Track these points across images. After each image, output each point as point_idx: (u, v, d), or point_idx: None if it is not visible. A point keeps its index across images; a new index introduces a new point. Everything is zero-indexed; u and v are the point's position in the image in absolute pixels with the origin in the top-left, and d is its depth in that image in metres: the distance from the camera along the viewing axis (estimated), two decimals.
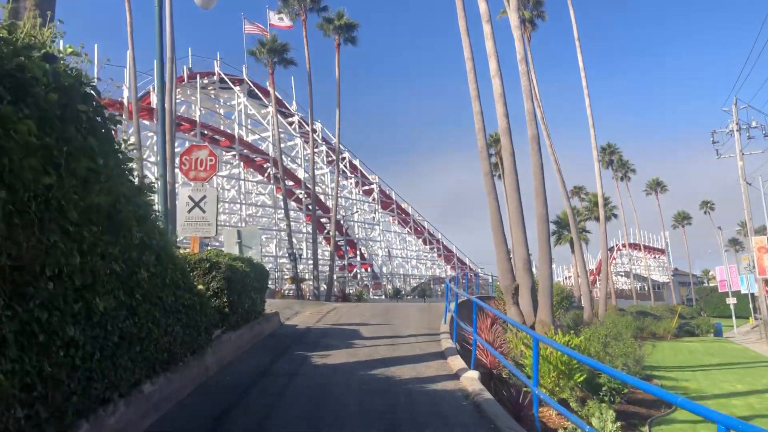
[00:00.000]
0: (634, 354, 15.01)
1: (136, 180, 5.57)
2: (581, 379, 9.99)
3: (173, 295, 6.67)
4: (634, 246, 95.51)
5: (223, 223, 41.40)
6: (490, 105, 19.41)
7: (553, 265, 32.71)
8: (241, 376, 8.34)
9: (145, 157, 36.75)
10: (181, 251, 10.19)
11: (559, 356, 9.94)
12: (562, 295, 29.05)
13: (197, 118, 39.59)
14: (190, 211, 10.29)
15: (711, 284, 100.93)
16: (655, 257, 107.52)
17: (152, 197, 6.35)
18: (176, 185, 25.49)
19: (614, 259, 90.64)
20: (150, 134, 37.18)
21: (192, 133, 39.60)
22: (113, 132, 4.52)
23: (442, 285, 61.97)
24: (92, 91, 4.01)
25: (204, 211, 10.27)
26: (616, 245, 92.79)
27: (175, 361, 6.96)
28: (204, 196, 10.34)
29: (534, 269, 23.08)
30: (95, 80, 4.05)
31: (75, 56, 3.70)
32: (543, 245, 19.16)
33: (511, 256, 18.78)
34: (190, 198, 10.32)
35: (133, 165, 5.31)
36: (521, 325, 9.02)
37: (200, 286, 8.78)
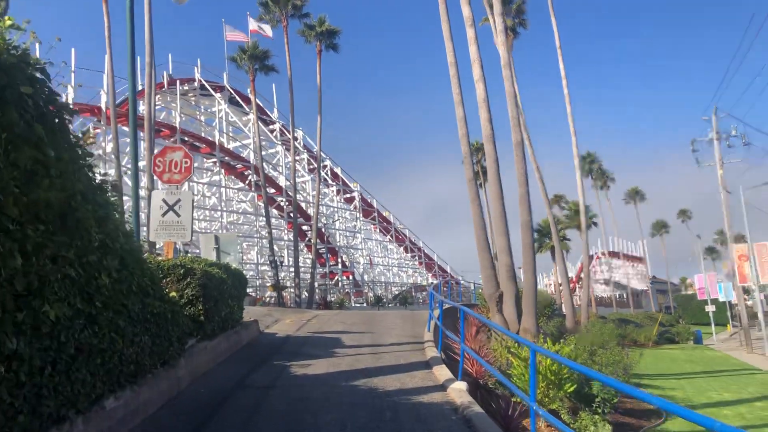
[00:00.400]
0: (623, 363, 14.74)
1: (98, 178, 5.12)
2: (572, 389, 9.66)
3: (140, 303, 6.22)
4: (614, 254, 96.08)
5: (204, 231, 40.72)
6: (473, 111, 19.08)
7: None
8: (216, 389, 7.87)
9: (124, 163, 36.03)
10: (157, 257, 9.73)
11: (548, 365, 9.60)
12: (544, 302, 28.81)
13: (177, 125, 38.90)
14: (164, 215, 9.80)
15: (689, 292, 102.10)
16: (633, 265, 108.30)
17: (116, 196, 5.91)
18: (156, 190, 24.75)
19: (594, 267, 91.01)
20: (128, 140, 36.44)
21: (172, 139, 38.90)
22: (68, 123, 4.08)
23: (424, 292, 61.72)
24: (41, 75, 3.57)
25: (179, 215, 9.80)
26: (595, 253, 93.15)
27: (143, 373, 6.49)
28: (179, 200, 9.86)
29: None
30: (46, 63, 3.61)
31: (17, 30, 3.28)
32: (527, 253, 18.90)
33: (494, 263, 18.47)
34: (164, 201, 9.83)
35: (93, 161, 4.87)
36: (517, 336, 8.60)
37: (173, 293, 8.31)
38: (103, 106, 32.77)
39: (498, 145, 18.93)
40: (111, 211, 5.44)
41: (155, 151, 40.78)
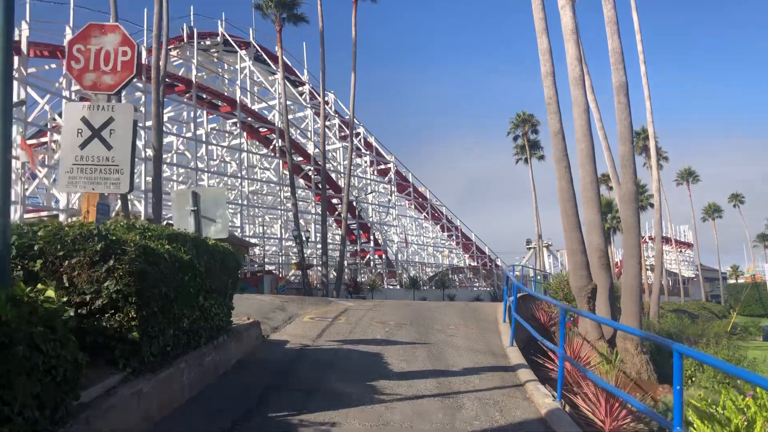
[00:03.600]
0: None
1: None
2: None
3: None
4: (665, 239, 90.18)
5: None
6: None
7: None
8: None
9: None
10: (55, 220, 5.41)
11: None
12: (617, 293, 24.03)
13: (193, 78, 34.69)
14: (83, 145, 5.52)
15: (739, 281, 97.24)
16: (680, 251, 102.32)
17: None
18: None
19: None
20: (138, 94, 32.36)
21: (187, 95, 34.81)
22: None
23: (461, 275, 57.15)
24: None
25: (109, 147, 5.50)
26: (642, 238, 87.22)
27: None
28: (110, 119, 5.52)
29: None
30: None
31: None
32: (630, 234, 14.29)
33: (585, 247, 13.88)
34: (85, 122, 5.53)
35: None
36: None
37: (46, 290, 3.96)
38: None
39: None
40: None
41: (169, 111, 37.07)
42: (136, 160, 22.09)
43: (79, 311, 4.83)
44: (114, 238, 4.96)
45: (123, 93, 31.52)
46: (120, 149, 5.55)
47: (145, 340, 5.04)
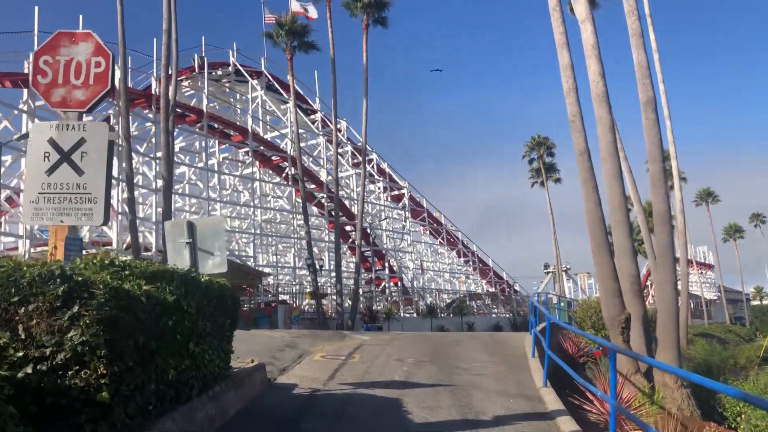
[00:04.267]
0: None
1: None
2: None
3: None
4: (687, 261, 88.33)
5: (235, 230, 35.99)
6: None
7: None
8: None
9: (142, 150, 31.74)
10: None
11: None
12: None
13: (204, 108, 34.37)
14: (50, 171, 4.79)
15: (764, 302, 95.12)
16: (701, 272, 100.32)
17: None
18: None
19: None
20: (149, 125, 32.08)
21: (199, 125, 34.50)
22: None
23: (479, 301, 55.83)
24: None
25: (81, 172, 4.77)
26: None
27: None
28: (82, 140, 4.79)
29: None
30: None
31: None
32: (663, 256, 13.29)
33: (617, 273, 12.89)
34: (53, 143, 4.80)
35: None
36: None
37: None
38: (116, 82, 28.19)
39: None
40: None
41: (180, 141, 36.69)
42: (145, 190, 21.53)
43: (38, 367, 4.06)
44: (80, 279, 4.18)
45: (134, 125, 31.25)
46: (93, 175, 4.80)
47: (117, 401, 4.21)
